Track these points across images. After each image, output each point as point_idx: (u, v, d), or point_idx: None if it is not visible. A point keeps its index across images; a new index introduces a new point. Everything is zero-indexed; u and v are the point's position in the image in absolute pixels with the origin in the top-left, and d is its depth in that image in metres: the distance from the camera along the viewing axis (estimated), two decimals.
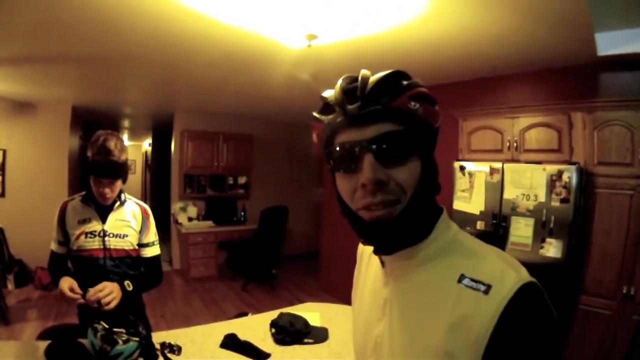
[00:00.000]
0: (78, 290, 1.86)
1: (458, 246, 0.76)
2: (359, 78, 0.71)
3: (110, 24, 2.88)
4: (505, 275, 0.66)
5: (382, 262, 0.84)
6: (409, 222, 0.72)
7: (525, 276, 0.66)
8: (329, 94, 0.76)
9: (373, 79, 0.70)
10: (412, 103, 0.70)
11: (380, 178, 0.69)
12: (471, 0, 2.42)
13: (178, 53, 3.62)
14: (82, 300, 1.84)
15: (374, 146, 0.69)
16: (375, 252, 0.81)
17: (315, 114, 0.79)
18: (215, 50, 3.48)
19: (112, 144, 1.98)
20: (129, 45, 3.37)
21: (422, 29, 2.88)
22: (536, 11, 2.49)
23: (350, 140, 0.72)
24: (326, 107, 0.77)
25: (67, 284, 1.86)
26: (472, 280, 0.67)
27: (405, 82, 0.72)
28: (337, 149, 0.74)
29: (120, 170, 2.02)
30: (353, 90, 0.71)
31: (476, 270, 0.69)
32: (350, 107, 0.70)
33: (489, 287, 0.65)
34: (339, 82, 0.75)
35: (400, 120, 0.70)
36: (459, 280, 0.69)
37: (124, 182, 2.13)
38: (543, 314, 0.63)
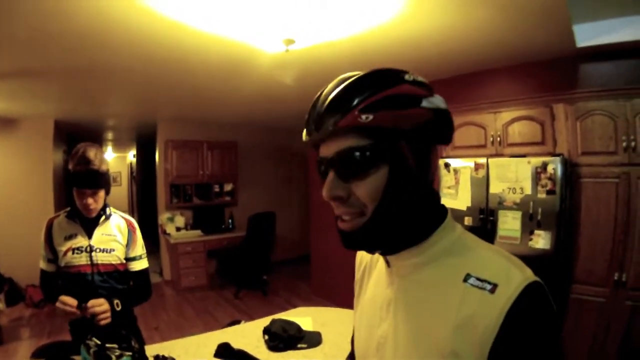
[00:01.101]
0: (73, 302, 1.84)
1: (463, 246, 0.75)
2: (319, 96, 0.72)
3: (90, 36, 2.85)
4: (511, 274, 0.65)
5: (388, 262, 0.84)
6: (378, 230, 0.73)
7: (530, 275, 0.66)
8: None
9: (326, 100, 0.70)
10: (364, 116, 0.66)
11: (336, 194, 0.72)
12: None
13: (158, 63, 3.59)
14: (76, 311, 1.82)
15: (333, 164, 0.72)
16: (380, 253, 0.82)
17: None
18: (195, 58, 3.46)
19: (91, 154, 1.98)
20: (109, 57, 3.34)
21: (400, 29, 2.88)
22: (514, 5, 2.51)
23: (320, 157, 0.75)
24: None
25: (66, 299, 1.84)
26: (478, 279, 0.67)
27: (358, 98, 0.67)
28: (317, 163, 0.78)
29: (101, 180, 2.01)
30: (312, 109, 0.73)
31: (482, 269, 0.69)
32: (310, 127, 0.73)
33: (495, 286, 0.64)
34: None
35: (363, 133, 0.68)
36: (465, 280, 0.69)
37: (107, 193, 2.11)
38: (548, 313, 0.63)
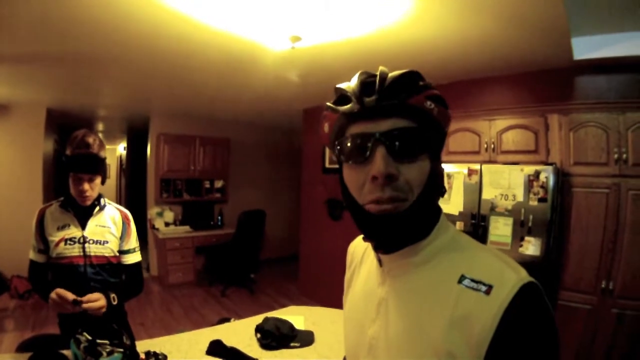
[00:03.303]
0: (70, 296, 1.78)
1: (457, 246, 0.76)
2: (378, 73, 0.72)
3: (90, 23, 2.80)
4: (506, 275, 0.66)
5: (380, 261, 0.84)
6: (413, 220, 0.73)
7: (525, 276, 0.66)
8: (345, 85, 0.76)
9: (392, 74, 0.72)
10: (428, 103, 0.71)
11: (391, 172, 0.69)
12: (452, 6, 2.45)
13: (158, 55, 3.57)
14: (71, 307, 1.76)
15: (387, 140, 0.70)
16: (376, 248, 0.81)
17: (329, 104, 0.79)
18: (197, 52, 3.44)
19: (91, 139, 1.96)
20: (109, 46, 3.29)
21: (404, 34, 2.90)
22: (516, 17, 2.54)
23: (364, 132, 0.73)
24: (341, 98, 0.77)
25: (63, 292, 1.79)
26: (473, 280, 0.68)
27: (421, 83, 0.73)
28: (350, 140, 0.75)
29: (99, 166, 1.99)
30: (371, 83, 0.72)
31: (476, 270, 0.69)
32: (368, 99, 0.71)
33: (490, 287, 0.65)
34: (356, 75, 0.75)
35: (414, 118, 0.71)
36: (459, 281, 0.69)
37: (103, 181, 2.08)
38: (544, 313, 0.64)
